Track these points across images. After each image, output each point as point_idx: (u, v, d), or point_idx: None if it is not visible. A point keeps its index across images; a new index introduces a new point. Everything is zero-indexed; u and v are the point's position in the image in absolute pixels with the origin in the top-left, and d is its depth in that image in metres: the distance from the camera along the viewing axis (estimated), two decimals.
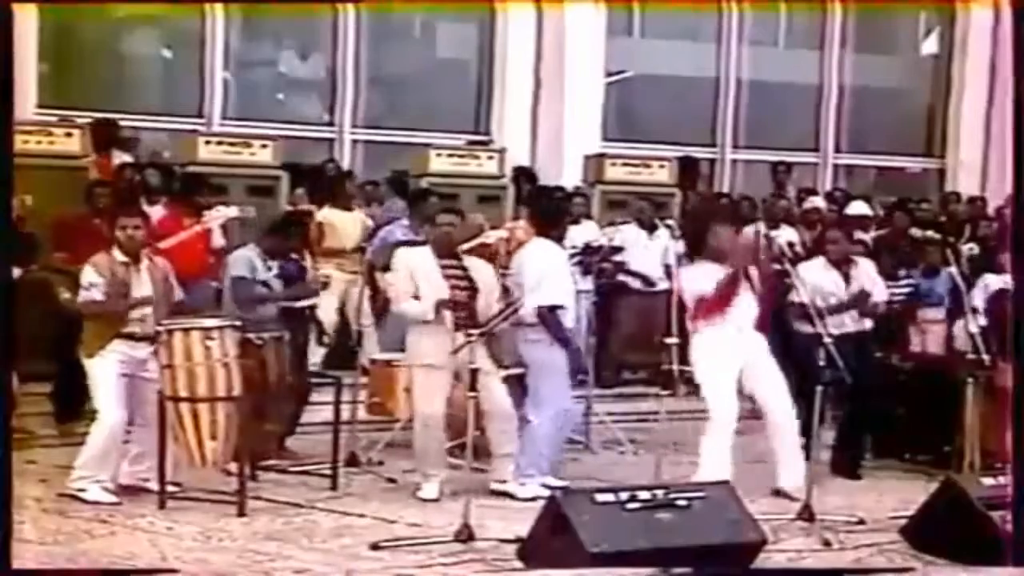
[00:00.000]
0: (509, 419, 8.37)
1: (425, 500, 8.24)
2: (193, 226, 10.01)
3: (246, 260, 9.01)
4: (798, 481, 8.28)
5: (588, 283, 10.35)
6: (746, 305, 8.60)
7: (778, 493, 8.49)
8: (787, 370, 9.37)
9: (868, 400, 9.30)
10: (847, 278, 9.45)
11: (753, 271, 8.72)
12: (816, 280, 9.10)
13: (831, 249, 9.54)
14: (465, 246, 10.41)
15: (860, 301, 9.35)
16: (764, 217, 12.26)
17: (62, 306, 9.14)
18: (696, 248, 8.77)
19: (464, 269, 8.49)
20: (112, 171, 11.55)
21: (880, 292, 9.61)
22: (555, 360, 8.47)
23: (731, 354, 8.52)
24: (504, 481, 8.36)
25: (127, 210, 8.60)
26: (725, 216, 9.83)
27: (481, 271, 8.61)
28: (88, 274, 8.10)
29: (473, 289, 8.43)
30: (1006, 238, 10.84)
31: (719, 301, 8.48)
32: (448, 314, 8.24)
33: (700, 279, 8.54)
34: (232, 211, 10.21)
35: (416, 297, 8.33)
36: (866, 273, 9.60)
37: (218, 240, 10.32)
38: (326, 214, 11.34)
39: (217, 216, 10.11)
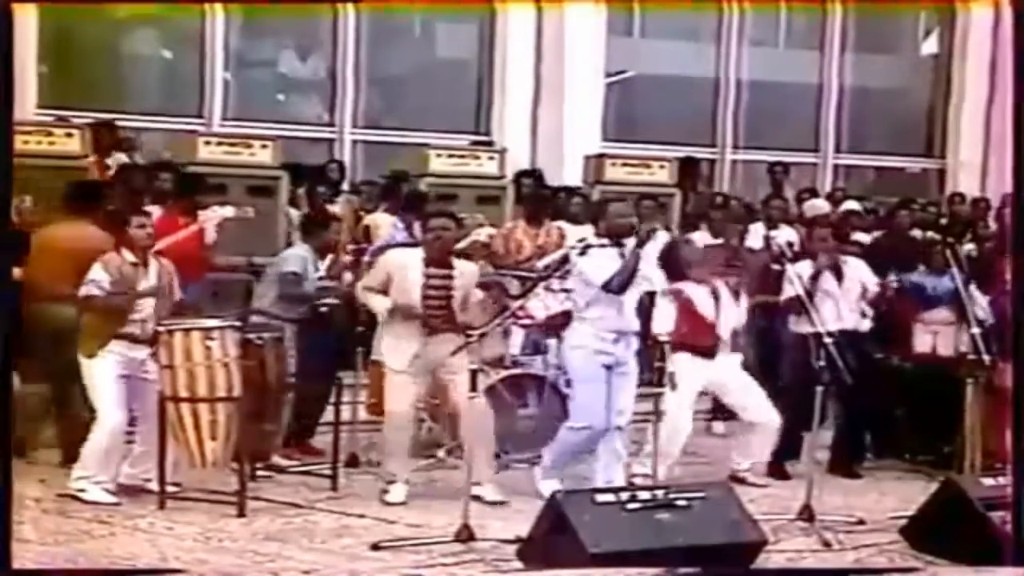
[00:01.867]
0: (478, 420, 8.14)
1: (392, 504, 8.15)
2: (188, 225, 10.02)
3: (300, 259, 9.13)
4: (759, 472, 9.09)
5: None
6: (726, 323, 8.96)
7: (735, 479, 8.78)
8: (777, 368, 9.48)
9: (865, 400, 9.31)
10: (839, 277, 9.47)
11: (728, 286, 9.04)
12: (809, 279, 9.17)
13: (820, 247, 9.59)
14: (460, 244, 10.41)
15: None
16: (762, 218, 12.26)
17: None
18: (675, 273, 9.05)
19: (451, 278, 8.38)
20: (113, 173, 11.56)
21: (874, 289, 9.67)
22: (592, 369, 8.35)
23: (700, 375, 8.87)
24: (478, 484, 8.23)
25: (137, 209, 8.63)
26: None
27: (465, 276, 8.49)
28: (95, 271, 8.09)
29: (452, 295, 8.35)
30: (1005, 239, 10.83)
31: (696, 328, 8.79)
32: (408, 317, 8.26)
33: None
34: (228, 211, 10.23)
35: (384, 292, 8.34)
36: (859, 271, 9.62)
37: (211, 235, 10.32)
38: (375, 218, 11.32)
39: (213, 216, 10.13)
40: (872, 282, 9.65)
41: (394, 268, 8.38)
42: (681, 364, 8.64)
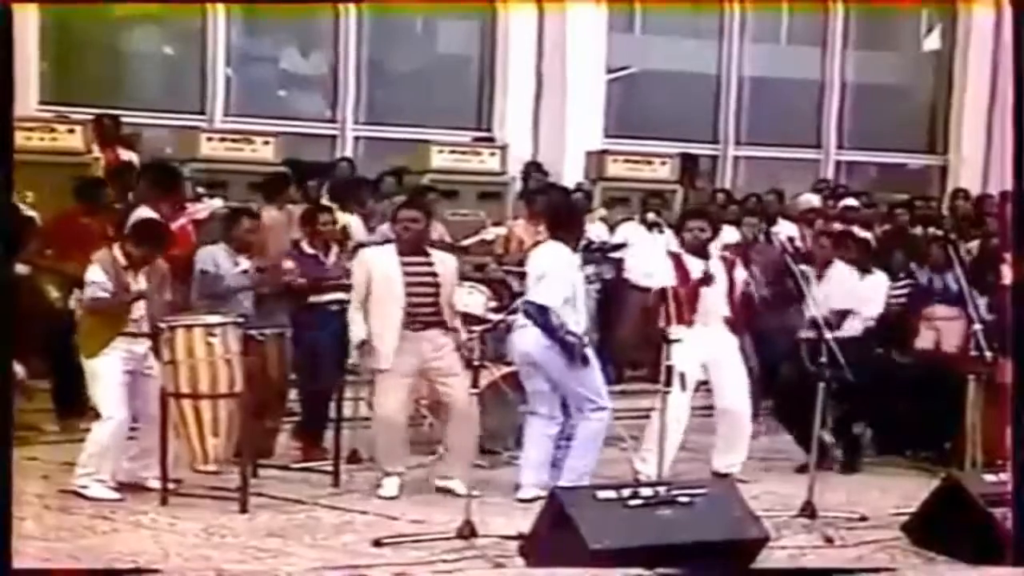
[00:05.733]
0: (469, 419, 8.19)
1: (385, 498, 8.16)
2: (177, 220, 10.06)
3: (211, 256, 8.97)
4: (735, 466, 8.90)
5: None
6: (716, 301, 8.90)
7: (714, 474, 8.79)
8: (775, 365, 9.49)
9: (864, 396, 9.32)
10: (820, 278, 9.60)
11: (727, 268, 9.03)
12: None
13: (819, 252, 9.87)
14: (465, 242, 10.42)
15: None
16: (760, 215, 12.30)
17: (53, 305, 9.14)
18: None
19: (430, 265, 8.41)
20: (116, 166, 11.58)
21: (850, 299, 9.70)
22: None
23: (695, 354, 8.67)
24: (450, 478, 8.27)
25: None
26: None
27: (445, 263, 8.52)
28: (94, 272, 8.09)
29: (436, 284, 8.36)
30: (1006, 236, 10.84)
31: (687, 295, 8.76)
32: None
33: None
34: (216, 203, 10.27)
35: (366, 299, 8.27)
36: (840, 275, 9.75)
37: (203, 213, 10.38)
38: (347, 218, 11.29)
39: (203, 208, 10.17)
40: (852, 292, 9.70)
41: (370, 266, 8.36)
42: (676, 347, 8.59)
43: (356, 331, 8.31)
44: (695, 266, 8.91)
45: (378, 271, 8.31)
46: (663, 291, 8.74)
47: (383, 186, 12.47)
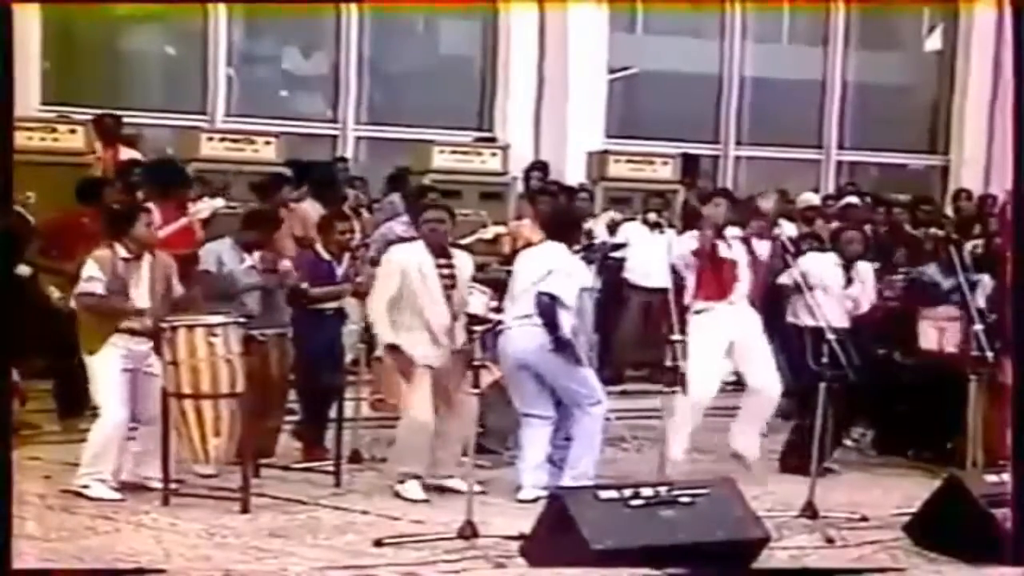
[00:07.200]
0: (473, 418, 8.06)
1: (412, 500, 8.16)
2: (180, 219, 10.04)
3: (214, 254, 8.95)
4: (754, 450, 9.10)
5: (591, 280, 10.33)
6: (741, 280, 9.02)
7: (735, 456, 9.01)
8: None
9: (866, 396, 9.34)
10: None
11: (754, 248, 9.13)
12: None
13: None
14: (464, 241, 10.40)
15: None
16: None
17: (55, 306, 9.13)
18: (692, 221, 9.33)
19: (451, 267, 8.42)
20: (119, 166, 11.57)
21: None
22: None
23: (723, 331, 8.83)
24: (450, 476, 8.29)
25: (141, 207, 8.63)
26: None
27: (461, 260, 8.54)
28: (90, 267, 8.07)
29: (455, 286, 8.38)
30: (1007, 235, 10.84)
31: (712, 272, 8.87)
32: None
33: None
34: (218, 203, 10.25)
35: (396, 298, 8.25)
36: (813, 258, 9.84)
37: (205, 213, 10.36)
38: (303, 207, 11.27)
39: (204, 208, 10.15)
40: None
41: (405, 265, 8.34)
42: (703, 321, 8.68)
43: (384, 332, 8.27)
44: (736, 250, 9.06)
45: (414, 269, 8.31)
46: (676, 288, 8.76)
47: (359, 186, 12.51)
